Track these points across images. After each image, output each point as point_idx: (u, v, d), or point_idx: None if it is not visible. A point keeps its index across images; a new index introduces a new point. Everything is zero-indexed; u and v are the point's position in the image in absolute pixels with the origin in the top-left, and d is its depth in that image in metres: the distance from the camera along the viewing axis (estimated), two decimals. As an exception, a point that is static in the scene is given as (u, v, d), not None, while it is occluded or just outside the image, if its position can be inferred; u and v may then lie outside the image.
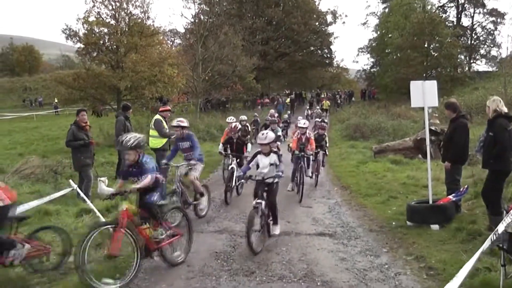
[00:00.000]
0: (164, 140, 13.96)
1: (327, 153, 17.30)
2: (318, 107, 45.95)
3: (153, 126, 14.02)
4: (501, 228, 5.69)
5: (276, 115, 27.39)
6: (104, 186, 12.64)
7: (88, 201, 9.87)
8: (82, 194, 9.79)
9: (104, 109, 36.71)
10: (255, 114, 31.93)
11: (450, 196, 9.76)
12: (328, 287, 6.97)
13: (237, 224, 10.54)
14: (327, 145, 17.28)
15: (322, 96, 63.34)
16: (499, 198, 8.97)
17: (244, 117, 21.41)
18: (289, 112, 43.19)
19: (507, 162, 8.76)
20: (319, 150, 16.02)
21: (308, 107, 52.09)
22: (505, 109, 8.82)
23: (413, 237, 9.14)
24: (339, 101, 60.26)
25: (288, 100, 62.21)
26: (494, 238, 5.60)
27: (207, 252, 8.48)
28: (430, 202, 10.16)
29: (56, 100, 47.42)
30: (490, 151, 8.76)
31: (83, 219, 9.70)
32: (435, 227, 9.45)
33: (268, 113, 28.96)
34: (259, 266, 7.73)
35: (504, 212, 6.94)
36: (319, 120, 24.80)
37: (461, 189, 9.84)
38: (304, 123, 14.81)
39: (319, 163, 16.21)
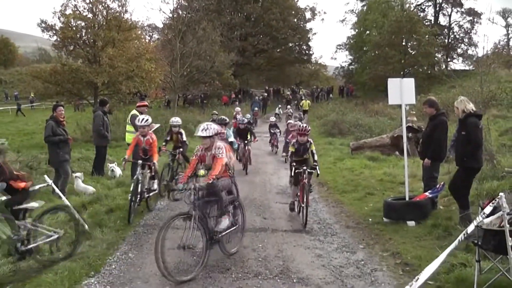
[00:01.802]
0: (141, 136, 13.83)
1: (318, 171, 10.45)
2: (289, 107, 43.77)
3: (129, 122, 13.92)
4: (470, 228, 5.75)
5: (239, 116, 23.14)
6: (80, 182, 12.58)
7: (64, 197, 9.73)
8: (57, 190, 9.65)
9: (81, 104, 36.42)
10: (214, 112, 26.10)
11: (427, 193, 9.83)
12: (304, 284, 6.94)
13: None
14: (316, 157, 10.76)
15: (289, 92, 61.86)
16: (468, 193, 9.28)
17: (175, 120, 13.85)
18: (256, 109, 40.33)
19: (479, 159, 9.13)
20: (304, 167, 10.44)
21: (280, 106, 47.89)
22: (472, 107, 9.13)
23: (390, 233, 9.18)
24: (302, 98, 55.28)
25: (303, 91, 61.10)
26: (463, 238, 5.68)
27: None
28: (407, 198, 10.21)
29: (32, 94, 46.86)
30: (463, 149, 8.93)
31: (57, 215, 9.57)
32: (411, 223, 9.51)
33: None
34: (234, 263, 7.68)
35: (480, 208, 6.99)
36: (294, 121, 20.81)
37: (438, 186, 9.91)
38: (204, 129, 7.97)
39: (304, 189, 10.35)
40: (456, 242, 5.72)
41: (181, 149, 13.40)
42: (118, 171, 14.82)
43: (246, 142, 17.88)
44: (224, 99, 54.56)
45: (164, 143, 13.44)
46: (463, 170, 9.20)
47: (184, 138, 13.68)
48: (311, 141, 11.03)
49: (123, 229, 9.47)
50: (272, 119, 26.74)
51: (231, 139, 13.66)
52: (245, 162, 17.49)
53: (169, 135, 13.82)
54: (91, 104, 30.73)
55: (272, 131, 24.67)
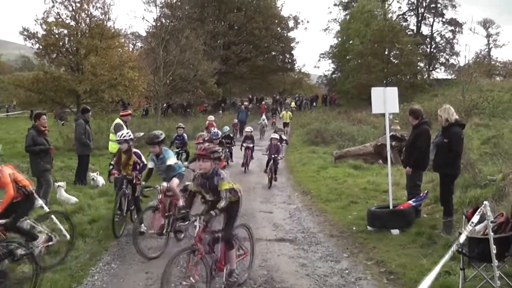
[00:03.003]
0: (125, 145, 13.68)
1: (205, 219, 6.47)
2: (263, 118, 36.92)
3: (113, 131, 13.73)
4: (462, 237, 5.80)
5: (214, 129, 19.35)
6: (63, 192, 12.42)
7: (46, 208, 9.63)
8: (40, 200, 9.54)
9: (64, 113, 36.23)
10: (179, 125, 18.51)
11: (410, 201, 9.88)
12: (288, 293, 6.92)
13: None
14: (223, 204, 6.51)
15: (263, 103, 58.78)
16: (450, 199, 9.38)
17: (120, 134, 9.90)
18: (235, 120, 35.22)
19: (457, 166, 9.33)
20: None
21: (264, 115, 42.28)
22: (456, 117, 9.28)
23: (374, 242, 9.18)
24: (278, 108, 52.84)
25: (294, 104, 59.48)
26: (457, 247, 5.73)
27: (166, 258, 8.31)
28: (391, 207, 10.23)
29: (14, 103, 46.46)
30: (443, 156, 9.09)
31: (40, 225, 9.45)
32: (395, 231, 9.51)
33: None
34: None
35: (463, 216, 7.04)
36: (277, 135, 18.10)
37: (421, 194, 9.97)
38: None
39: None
40: (450, 253, 5.74)
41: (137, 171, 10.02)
42: (100, 181, 14.67)
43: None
44: (201, 108, 54.44)
45: (110, 166, 10.38)
46: (442, 176, 9.43)
47: (144, 161, 10.05)
48: (222, 174, 6.65)
49: (106, 239, 9.36)
50: (248, 129, 21.54)
51: (171, 161, 9.34)
52: None
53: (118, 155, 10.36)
54: (73, 113, 30.56)
55: (245, 145, 19.87)
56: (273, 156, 16.31)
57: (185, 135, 17.79)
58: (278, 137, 17.72)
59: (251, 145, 20.00)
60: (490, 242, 5.72)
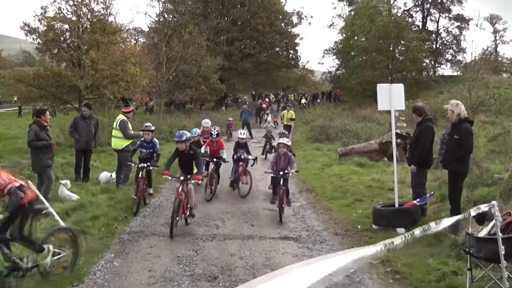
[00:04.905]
0: (129, 141, 13.65)
1: None
2: (268, 121, 29.17)
3: (117, 127, 13.64)
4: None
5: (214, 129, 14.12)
6: (65, 189, 12.29)
7: (47, 204, 9.54)
8: (41, 196, 9.45)
9: (65, 108, 36.15)
10: (147, 124, 13.11)
11: (415, 201, 9.77)
12: (292, 292, 6.81)
13: (199, 227, 10.31)
14: None
15: (267, 100, 55.39)
16: (458, 197, 9.32)
17: None
18: (230, 119, 30.89)
19: (466, 164, 9.23)
20: None
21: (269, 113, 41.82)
22: (466, 114, 9.22)
23: (379, 240, 9.01)
24: (282, 104, 52.44)
25: (304, 100, 58.99)
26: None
27: (169, 256, 8.27)
28: (396, 205, 10.13)
29: (15, 98, 46.49)
30: (454, 153, 8.98)
31: (40, 222, 9.38)
32: (401, 230, 9.41)
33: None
34: (222, 271, 7.55)
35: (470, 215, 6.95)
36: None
37: (427, 195, 9.86)
38: None
39: None
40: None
41: None
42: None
43: (186, 179, 10.19)
44: (199, 103, 54.62)
45: None
46: (451, 174, 9.32)
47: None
48: None
49: (108, 236, 9.28)
50: (242, 134, 15.25)
51: None
52: (178, 215, 9.77)
53: None
54: (75, 108, 30.45)
55: (238, 154, 14.43)
56: (281, 172, 11.49)
57: (156, 141, 12.98)
58: (288, 142, 12.56)
59: (248, 157, 14.58)
60: (498, 242, 5.62)
